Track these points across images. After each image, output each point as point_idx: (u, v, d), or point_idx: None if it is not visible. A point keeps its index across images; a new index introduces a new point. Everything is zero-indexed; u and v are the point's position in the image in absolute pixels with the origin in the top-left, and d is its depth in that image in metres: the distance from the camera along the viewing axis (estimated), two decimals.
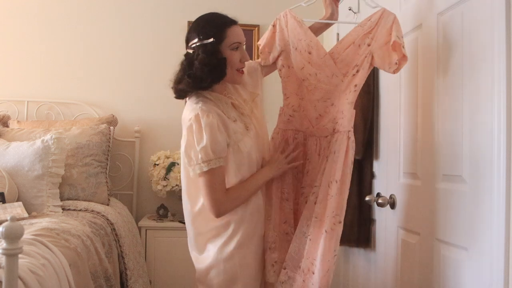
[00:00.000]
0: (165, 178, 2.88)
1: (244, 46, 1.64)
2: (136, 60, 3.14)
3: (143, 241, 2.79)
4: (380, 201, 1.95)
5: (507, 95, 1.30)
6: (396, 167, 1.94)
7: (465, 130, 1.48)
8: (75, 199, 2.55)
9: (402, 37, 1.58)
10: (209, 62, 1.55)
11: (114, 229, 2.32)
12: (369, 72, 1.66)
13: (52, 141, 2.36)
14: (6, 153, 2.38)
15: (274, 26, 1.80)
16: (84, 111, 3.07)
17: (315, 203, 1.63)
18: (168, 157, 2.93)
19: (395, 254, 1.93)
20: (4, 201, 2.09)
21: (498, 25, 1.33)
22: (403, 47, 1.55)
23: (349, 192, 2.13)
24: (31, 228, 1.72)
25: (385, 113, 2.08)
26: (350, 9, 2.45)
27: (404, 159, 1.88)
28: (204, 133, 1.52)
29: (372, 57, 1.62)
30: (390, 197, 1.94)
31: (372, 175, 2.19)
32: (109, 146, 2.80)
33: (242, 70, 1.65)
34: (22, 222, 1.88)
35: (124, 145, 3.11)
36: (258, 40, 3.15)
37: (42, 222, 1.89)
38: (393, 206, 1.93)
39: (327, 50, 1.76)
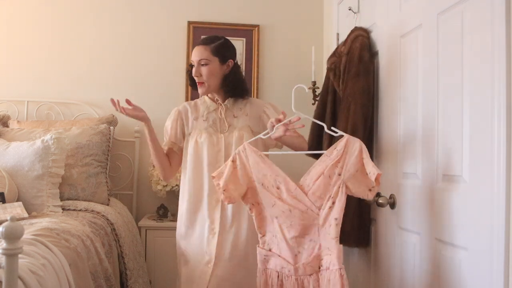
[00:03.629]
0: None
1: (196, 65, 1.98)
2: (136, 60, 3.14)
3: (143, 241, 2.79)
4: (380, 201, 1.95)
5: (507, 95, 1.30)
6: (396, 167, 1.94)
7: (465, 130, 1.48)
8: (75, 199, 2.55)
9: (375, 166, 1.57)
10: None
11: (114, 229, 2.32)
12: (345, 202, 1.60)
13: (52, 141, 2.36)
14: (6, 153, 2.38)
15: (233, 161, 1.66)
16: (84, 111, 3.07)
17: None
18: None
19: (395, 254, 1.93)
20: (4, 201, 2.09)
21: (498, 25, 1.33)
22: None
23: None
24: (31, 228, 1.72)
25: (385, 113, 2.08)
26: (350, 9, 2.45)
27: (404, 159, 1.88)
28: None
29: (346, 186, 1.58)
30: (390, 197, 1.94)
31: None
32: (109, 146, 2.80)
33: (199, 83, 1.98)
34: (22, 222, 1.88)
35: (124, 145, 3.11)
36: (258, 40, 3.16)
37: (42, 222, 1.89)
38: (393, 206, 1.93)
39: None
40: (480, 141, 1.40)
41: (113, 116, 2.96)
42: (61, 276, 1.42)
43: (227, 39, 2.08)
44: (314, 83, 2.99)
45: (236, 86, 2.03)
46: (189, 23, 3.15)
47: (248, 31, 3.17)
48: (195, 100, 2.15)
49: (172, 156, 2.09)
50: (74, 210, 2.37)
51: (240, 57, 3.14)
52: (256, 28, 3.17)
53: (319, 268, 1.58)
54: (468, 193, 1.46)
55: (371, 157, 2.18)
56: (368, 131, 2.11)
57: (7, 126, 2.88)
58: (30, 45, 3.10)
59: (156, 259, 2.80)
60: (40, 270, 1.30)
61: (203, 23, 3.16)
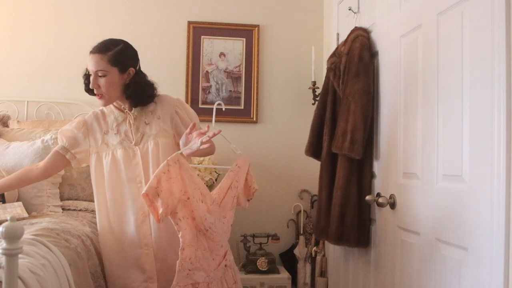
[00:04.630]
0: None
1: (93, 76, 1.82)
2: None
3: None
4: (380, 201, 1.95)
5: (507, 95, 1.30)
6: (396, 167, 1.94)
7: (465, 130, 1.48)
8: (75, 199, 2.54)
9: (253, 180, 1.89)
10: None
11: None
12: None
13: (52, 141, 2.36)
14: (6, 153, 2.38)
15: (167, 173, 1.59)
16: (84, 111, 3.06)
17: None
18: None
19: (395, 254, 1.93)
20: (4, 201, 2.09)
21: (498, 25, 1.33)
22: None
23: (349, 192, 2.14)
24: (31, 228, 1.72)
25: (385, 113, 2.08)
26: (350, 9, 2.45)
27: (404, 159, 1.88)
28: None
29: (238, 197, 1.83)
30: (390, 197, 1.95)
31: (372, 175, 2.19)
32: None
33: (98, 95, 1.84)
34: (22, 222, 1.88)
35: None
36: (258, 40, 3.16)
37: (42, 222, 1.89)
38: (393, 206, 1.93)
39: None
40: (480, 141, 1.40)
41: None
42: (61, 276, 1.42)
43: (126, 43, 1.92)
44: (314, 83, 2.99)
45: (138, 94, 1.87)
46: (189, 23, 3.15)
47: (248, 31, 3.17)
48: (101, 108, 1.98)
49: (55, 163, 1.93)
50: (74, 210, 2.37)
51: (240, 57, 3.15)
52: (256, 28, 3.17)
53: (225, 266, 1.79)
54: (468, 193, 1.46)
55: (371, 157, 2.19)
56: (368, 131, 2.11)
57: (7, 126, 2.88)
58: (30, 45, 3.09)
59: None
60: (40, 270, 1.29)
61: (203, 23, 3.16)
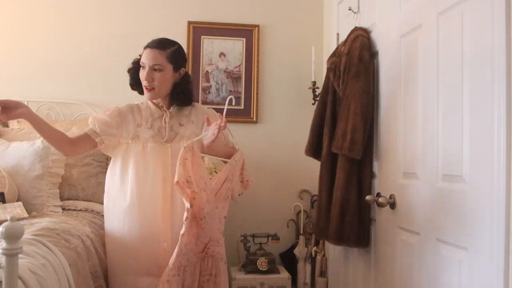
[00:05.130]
0: None
1: (148, 69, 1.90)
2: None
3: None
4: (380, 201, 1.95)
5: (507, 95, 1.30)
6: (396, 167, 1.94)
7: (465, 130, 1.48)
8: (75, 199, 2.54)
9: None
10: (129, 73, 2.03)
11: None
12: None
13: None
14: (6, 153, 2.38)
15: (187, 159, 1.75)
16: (84, 111, 3.07)
17: None
18: None
19: (395, 254, 1.93)
20: (4, 201, 2.09)
21: (498, 25, 1.33)
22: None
23: (349, 192, 2.14)
24: (31, 228, 1.72)
25: (385, 113, 2.08)
26: (350, 9, 2.45)
27: (404, 159, 1.88)
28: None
29: (232, 190, 1.92)
30: (390, 197, 1.95)
31: (372, 175, 2.19)
32: None
33: (149, 88, 1.91)
34: (22, 222, 1.88)
35: None
36: (258, 40, 3.16)
37: (42, 222, 1.89)
38: (393, 206, 1.93)
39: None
40: (480, 141, 1.40)
41: None
42: (61, 276, 1.42)
43: (180, 44, 2.02)
44: (314, 83, 2.99)
45: (184, 94, 1.98)
46: (189, 23, 3.15)
47: (248, 31, 3.17)
48: (137, 103, 2.06)
49: (84, 142, 1.94)
50: (74, 210, 2.37)
51: (240, 57, 3.15)
52: (256, 28, 3.17)
53: (205, 254, 1.87)
54: (468, 193, 1.46)
55: (371, 157, 2.19)
56: (368, 131, 2.11)
57: (7, 126, 2.88)
58: (30, 45, 3.09)
59: None
60: (40, 270, 1.29)
61: (203, 23, 3.16)
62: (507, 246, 1.29)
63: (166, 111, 1.99)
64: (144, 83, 1.92)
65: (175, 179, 1.73)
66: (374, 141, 2.18)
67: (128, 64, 2.01)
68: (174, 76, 1.96)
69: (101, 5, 3.15)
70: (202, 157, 1.89)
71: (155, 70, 1.90)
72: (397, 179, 1.93)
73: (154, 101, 2.01)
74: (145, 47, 1.95)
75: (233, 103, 2.03)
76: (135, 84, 1.99)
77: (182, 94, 1.98)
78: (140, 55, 1.98)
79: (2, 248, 1.01)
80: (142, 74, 1.92)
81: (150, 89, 1.91)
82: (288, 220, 3.11)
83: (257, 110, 3.14)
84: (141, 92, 1.99)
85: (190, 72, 3.10)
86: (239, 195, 1.99)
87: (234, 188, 1.94)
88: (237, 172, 1.94)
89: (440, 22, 1.64)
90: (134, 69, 1.99)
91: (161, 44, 1.95)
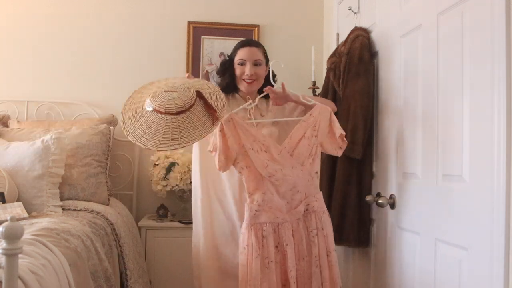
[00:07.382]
0: (165, 178, 2.87)
1: (250, 64, 2.04)
2: (136, 60, 3.14)
3: (143, 241, 2.79)
4: (380, 201, 1.95)
5: (507, 95, 1.30)
6: (396, 167, 1.94)
7: (465, 130, 1.48)
8: (75, 199, 2.54)
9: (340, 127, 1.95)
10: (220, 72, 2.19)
11: (114, 229, 2.32)
12: (320, 157, 1.94)
13: (52, 141, 2.35)
14: (6, 153, 2.38)
15: (221, 131, 1.81)
16: (84, 111, 3.07)
17: (320, 272, 1.86)
18: (168, 157, 2.92)
19: (395, 254, 1.93)
20: (4, 201, 2.09)
21: (498, 25, 1.33)
22: (345, 136, 1.94)
23: (349, 192, 2.14)
24: (31, 228, 1.72)
25: (385, 113, 2.08)
26: (350, 9, 2.45)
27: (404, 159, 1.88)
28: None
29: (321, 145, 1.93)
30: (390, 197, 1.95)
31: (372, 175, 2.19)
32: (109, 146, 2.80)
33: (253, 81, 2.05)
34: (22, 222, 1.87)
35: (124, 145, 3.11)
36: (258, 40, 3.15)
37: (42, 222, 1.88)
38: (393, 206, 1.93)
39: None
40: (480, 141, 1.40)
41: (113, 116, 2.95)
42: (61, 276, 1.42)
43: None
44: (314, 83, 2.98)
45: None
46: (189, 23, 3.15)
47: (248, 31, 3.17)
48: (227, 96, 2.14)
49: None
50: (74, 210, 2.37)
51: None
52: (256, 28, 3.17)
53: (305, 211, 1.89)
54: (468, 193, 1.46)
55: (371, 157, 2.19)
56: (368, 131, 2.11)
57: (7, 126, 2.88)
58: (30, 45, 3.09)
59: (156, 259, 2.80)
60: (40, 270, 1.29)
61: (203, 23, 3.16)
62: (507, 246, 1.29)
63: (252, 102, 2.09)
64: (246, 76, 2.05)
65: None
66: (374, 141, 2.18)
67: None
68: (265, 70, 2.11)
69: (101, 5, 3.15)
70: (256, 124, 2.01)
71: (255, 65, 2.05)
72: (397, 179, 1.93)
73: (241, 93, 2.13)
74: (242, 46, 2.09)
75: (282, 66, 2.10)
76: (231, 82, 2.11)
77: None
78: (228, 56, 2.14)
79: (2, 248, 1.01)
80: (242, 69, 2.05)
81: (252, 81, 2.06)
82: None
83: None
84: (231, 90, 2.12)
85: (190, 72, 3.10)
86: (340, 147, 1.95)
87: (325, 143, 1.93)
88: (322, 126, 1.92)
89: (440, 22, 1.64)
90: (230, 67, 2.11)
91: (256, 43, 2.16)
